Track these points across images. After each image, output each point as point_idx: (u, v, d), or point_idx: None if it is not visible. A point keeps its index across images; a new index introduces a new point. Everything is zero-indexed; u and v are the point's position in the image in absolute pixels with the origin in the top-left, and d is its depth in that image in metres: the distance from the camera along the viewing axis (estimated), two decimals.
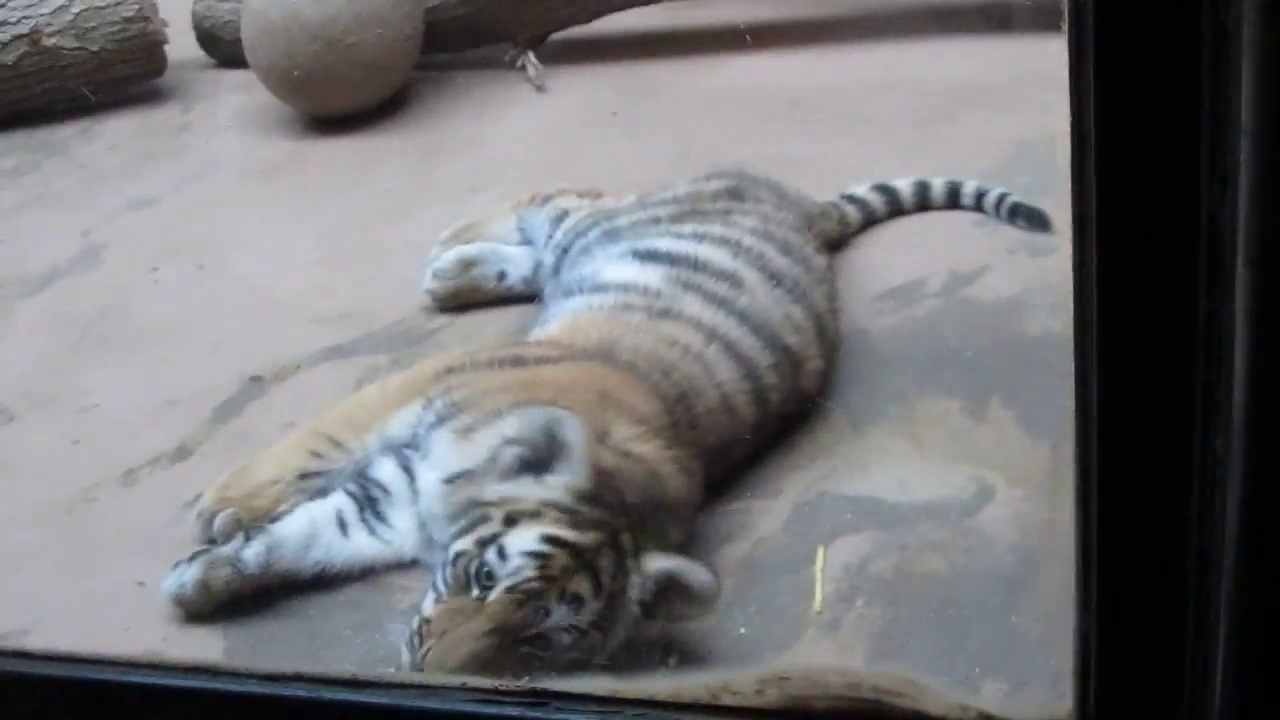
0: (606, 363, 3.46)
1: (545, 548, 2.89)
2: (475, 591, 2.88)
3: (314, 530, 3.33)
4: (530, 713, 1.48)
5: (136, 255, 5.08)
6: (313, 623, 3.23)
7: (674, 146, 5.28)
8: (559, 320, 3.77)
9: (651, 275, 3.77)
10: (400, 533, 3.37)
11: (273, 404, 4.07)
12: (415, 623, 2.92)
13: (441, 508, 3.19)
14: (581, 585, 2.89)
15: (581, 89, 5.97)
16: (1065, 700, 1.38)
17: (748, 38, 5.79)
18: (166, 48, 6.39)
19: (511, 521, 2.95)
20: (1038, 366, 3.75)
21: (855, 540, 3.26)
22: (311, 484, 3.48)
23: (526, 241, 4.47)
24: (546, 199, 4.48)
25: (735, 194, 4.19)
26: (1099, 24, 1.11)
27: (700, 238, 3.92)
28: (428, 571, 3.17)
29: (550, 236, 4.30)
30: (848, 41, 6.03)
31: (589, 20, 6.24)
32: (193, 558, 3.28)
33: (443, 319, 4.34)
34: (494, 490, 3.06)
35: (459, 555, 2.94)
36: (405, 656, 2.91)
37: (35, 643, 3.17)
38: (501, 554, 2.89)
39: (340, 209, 5.24)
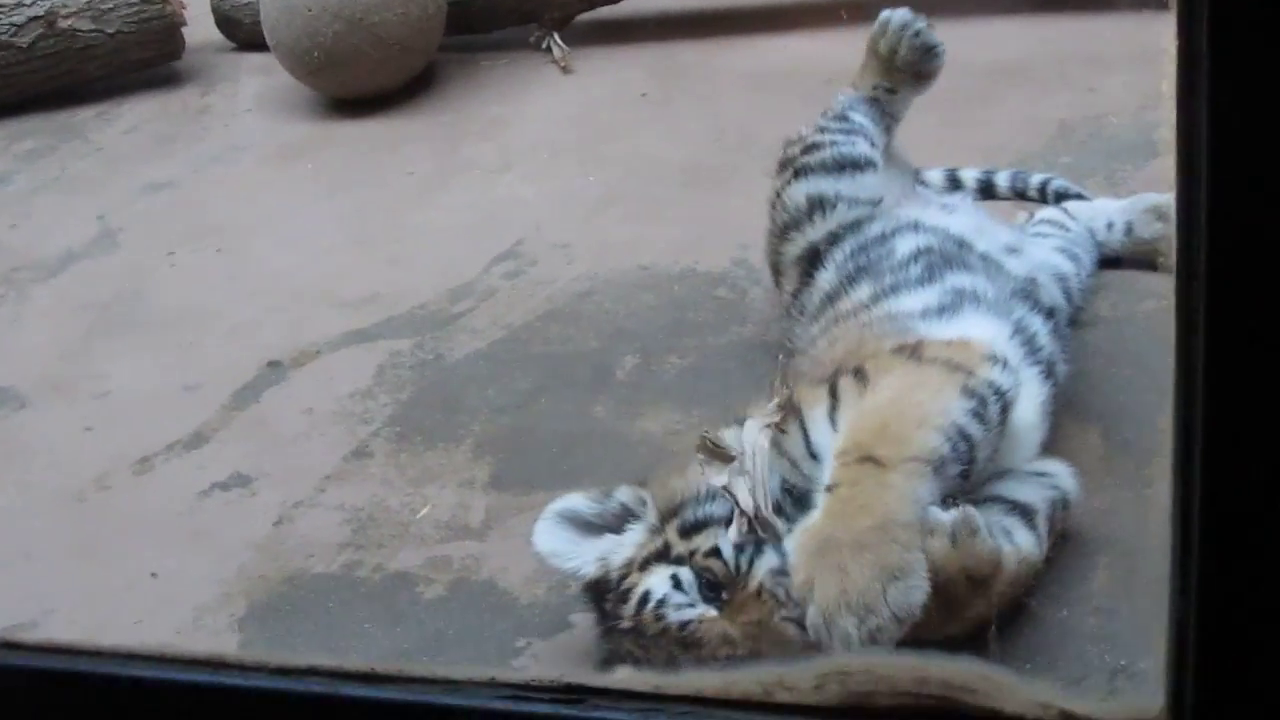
0: None
1: None
2: None
3: None
4: (564, 710, 1.36)
5: (154, 239, 4.99)
6: (331, 616, 3.11)
7: (705, 127, 5.15)
8: None
9: None
10: None
11: (292, 390, 3.96)
12: None
13: None
14: None
15: (610, 70, 5.84)
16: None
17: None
18: (185, 31, 6.33)
19: None
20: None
21: None
22: None
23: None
24: None
25: None
26: None
27: None
28: None
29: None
30: None
31: (616, 1, 6.11)
32: None
33: (468, 302, 4.21)
34: None
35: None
36: None
37: (44, 635, 3.07)
38: None
39: (363, 192, 5.13)
